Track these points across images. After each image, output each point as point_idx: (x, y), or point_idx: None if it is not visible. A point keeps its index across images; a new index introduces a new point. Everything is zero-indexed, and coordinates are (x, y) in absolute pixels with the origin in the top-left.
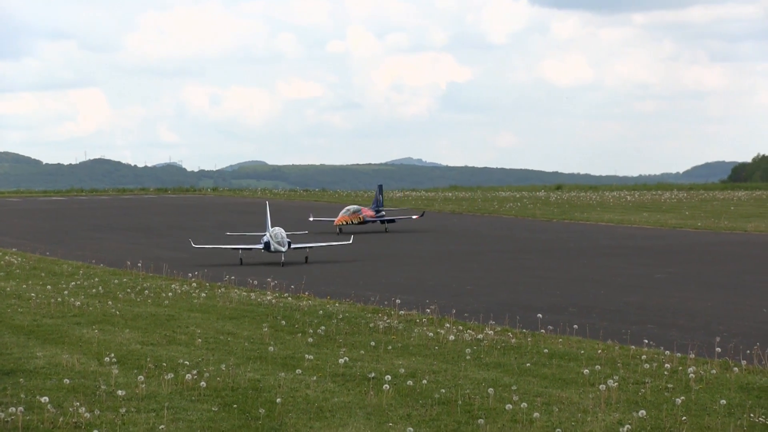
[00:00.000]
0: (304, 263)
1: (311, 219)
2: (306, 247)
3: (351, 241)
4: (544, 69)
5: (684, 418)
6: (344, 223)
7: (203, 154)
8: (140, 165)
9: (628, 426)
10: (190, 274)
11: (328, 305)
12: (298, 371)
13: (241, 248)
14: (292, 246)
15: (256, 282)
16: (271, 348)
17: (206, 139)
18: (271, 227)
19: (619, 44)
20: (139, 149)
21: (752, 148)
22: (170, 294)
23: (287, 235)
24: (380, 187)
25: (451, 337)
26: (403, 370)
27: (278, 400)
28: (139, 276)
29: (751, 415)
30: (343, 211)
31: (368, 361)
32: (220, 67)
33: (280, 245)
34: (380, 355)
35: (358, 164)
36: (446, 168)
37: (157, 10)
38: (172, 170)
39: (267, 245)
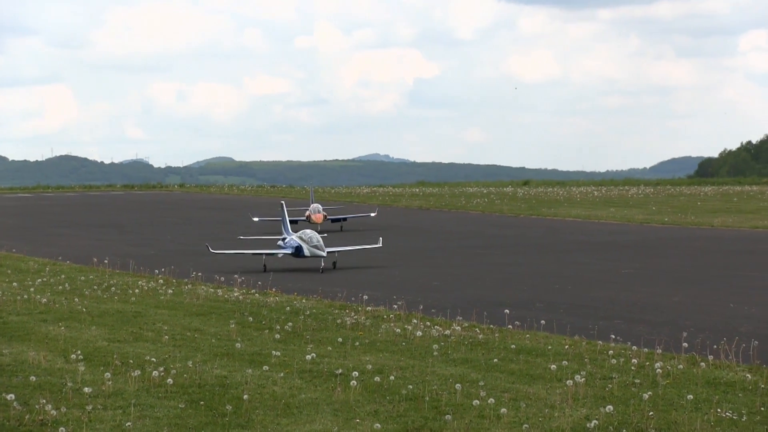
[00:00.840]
0: (333, 269)
1: (255, 219)
2: (335, 252)
3: (381, 244)
4: (511, 65)
5: (651, 413)
6: (322, 221)
7: (170, 151)
8: (107, 161)
9: (595, 421)
10: (156, 271)
11: (295, 301)
12: (265, 368)
13: (266, 253)
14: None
15: (223, 279)
16: (238, 344)
17: (173, 136)
18: (291, 229)
19: (585, 40)
20: (106, 146)
21: (719, 143)
22: (137, 291)
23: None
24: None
25: (419, 333)
26: (370, 366)
27: (245, 396)
28: (105, 273)
29: (719, 410)
30: (315, 208)
31: (335, 357)
32: (188, 63)
33: (319, 249)
34: (347, 352)
35: (325, 160)
36: (414, 164)
37: (124, 6)
38: (139, 167)
39: (298, 250)
